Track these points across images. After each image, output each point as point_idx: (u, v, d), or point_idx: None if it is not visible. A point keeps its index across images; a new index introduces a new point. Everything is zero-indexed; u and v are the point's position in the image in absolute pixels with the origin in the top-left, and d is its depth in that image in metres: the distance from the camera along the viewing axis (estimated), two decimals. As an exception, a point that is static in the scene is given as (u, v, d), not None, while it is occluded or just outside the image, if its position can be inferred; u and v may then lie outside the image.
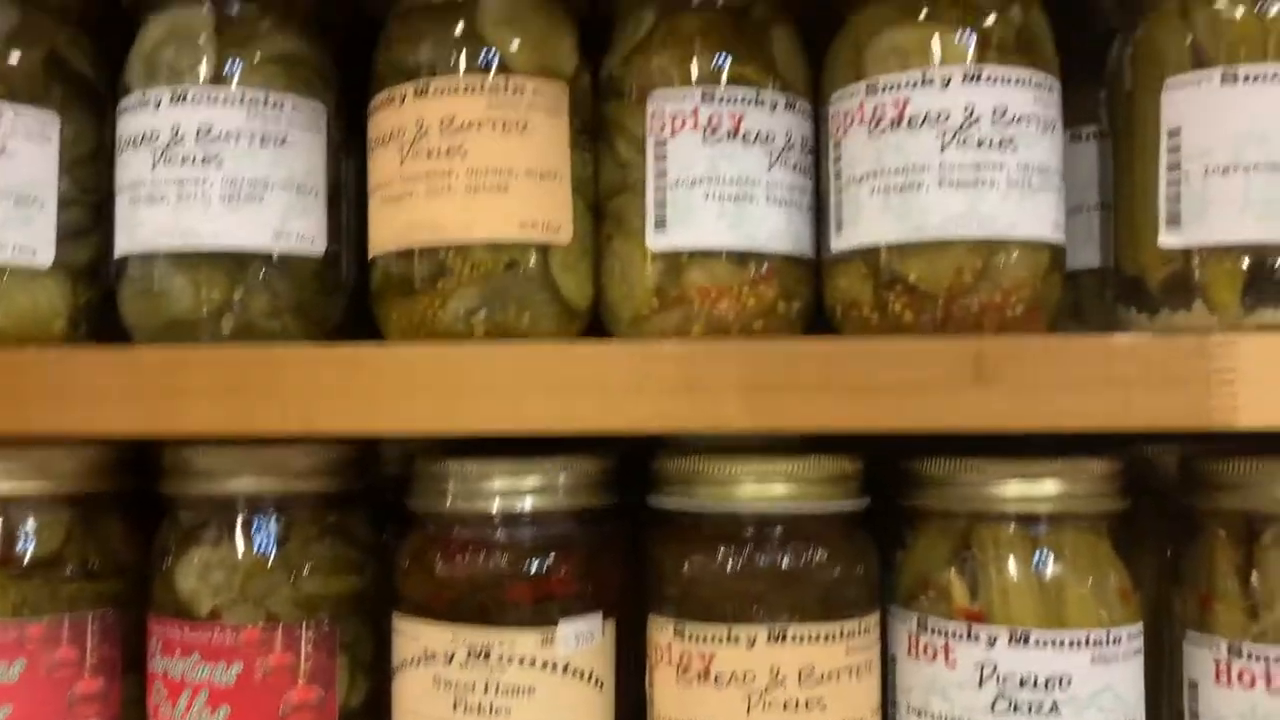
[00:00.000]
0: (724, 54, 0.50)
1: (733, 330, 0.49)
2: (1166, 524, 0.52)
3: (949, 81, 0.46)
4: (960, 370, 0.42)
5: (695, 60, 0.50)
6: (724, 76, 0.50)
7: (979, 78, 0.46)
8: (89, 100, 0.55)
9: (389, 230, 0.50)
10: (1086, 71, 0.54)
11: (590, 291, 0.52)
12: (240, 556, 0.51)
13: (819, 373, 0.43)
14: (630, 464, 0.52)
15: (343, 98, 0.55)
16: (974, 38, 0.47)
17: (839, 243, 0.49)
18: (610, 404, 0.44)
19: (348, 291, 0.55)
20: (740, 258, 0.49)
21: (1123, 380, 0.42)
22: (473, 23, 0.50)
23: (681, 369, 0.44)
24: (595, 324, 0.53)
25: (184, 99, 0.50)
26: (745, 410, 0.43)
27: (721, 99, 0.49)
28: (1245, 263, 0.45)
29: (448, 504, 0.48)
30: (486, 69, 0.49)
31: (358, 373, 0.44)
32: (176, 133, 0.50)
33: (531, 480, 0.48)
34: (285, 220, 0.51)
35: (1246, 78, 0.44)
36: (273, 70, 0.51)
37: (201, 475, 0.51)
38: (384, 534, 0.56)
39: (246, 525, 0.51)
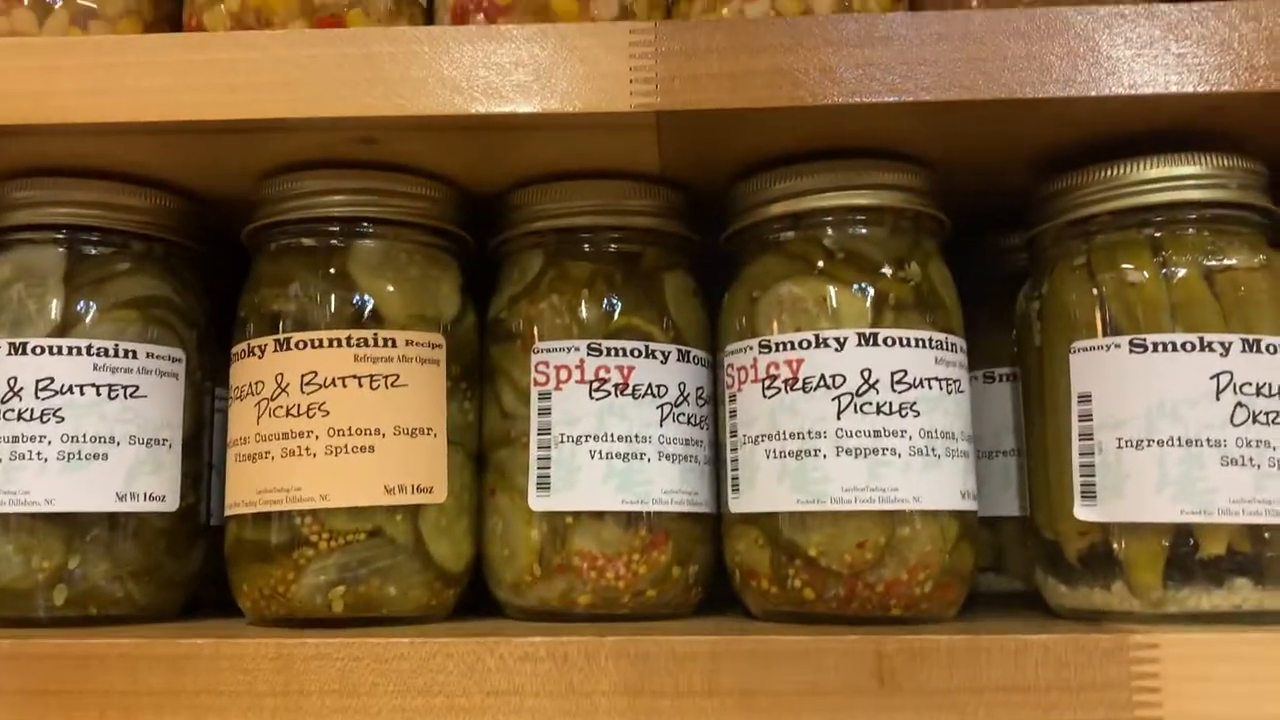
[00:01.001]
0: (613, 302, 0.47)
1: (624, 598, 0.45)
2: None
3: (844, 343, 0.43)
4: (861, 674, 0.38)
5: (583, 308, 0.47)
6: (613, 326, 0.47)
7: (876, 340, 0.43)
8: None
9: (242, 491, 0.46)
10: (999, 311, 0.52)
11: (469, 552, 0.47)
12: None
13: (706, 676, 0.39)
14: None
15: (211, 330, 0.51)
16: (871, 295, 0.44)
17: (736, 505, 0.46)
18: (475, 714, 0.39)
19: (211, 540, 0.50)
20: (630, 520, 0.45)
21: (1037, 686, 0.38)
22: (344, 268, 0.46)
23: (555, 670, 0.39)
24: (478, 579, 0.48)
25: (24, 350, 0.46)
26: None
27: (610, 350, 0.46)
28: (1166, 542, 0.41)
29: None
30: (356, 319, 0.46)
31: (183, 673, 0.39)
32: (14, 385, 0.45)
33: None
34: (131, 479, 0.46)
35: (1156, 346, 0.42)
36: (126, 316, 0.47)
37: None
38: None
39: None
